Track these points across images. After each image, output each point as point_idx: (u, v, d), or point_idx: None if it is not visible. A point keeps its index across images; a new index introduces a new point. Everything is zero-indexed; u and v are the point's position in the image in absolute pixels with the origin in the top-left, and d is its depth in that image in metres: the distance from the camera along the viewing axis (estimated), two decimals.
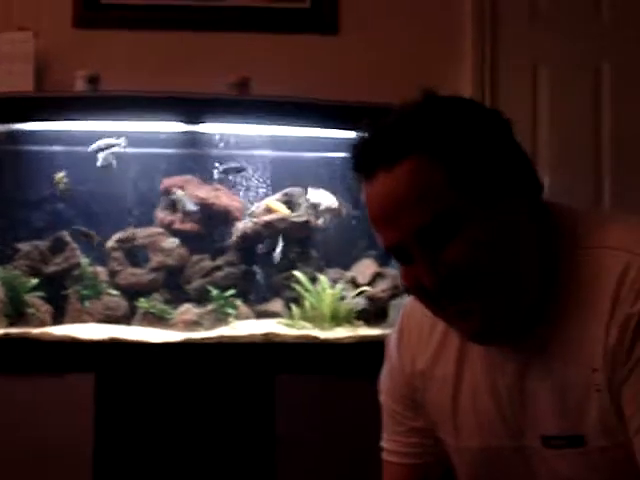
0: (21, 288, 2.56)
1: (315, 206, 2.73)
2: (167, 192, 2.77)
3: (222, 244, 2.76)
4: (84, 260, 2.68)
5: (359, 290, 2.67)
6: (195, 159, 2.81)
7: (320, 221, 2.77)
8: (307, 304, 2.62)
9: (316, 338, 2.51)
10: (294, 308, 2.63)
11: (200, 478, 2.39)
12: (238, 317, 2.63)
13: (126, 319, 2.65)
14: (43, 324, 2.53)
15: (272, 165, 2.77)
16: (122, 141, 2.61)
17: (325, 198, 2.72)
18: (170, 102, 2.54)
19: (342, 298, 2.65)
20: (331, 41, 3.02)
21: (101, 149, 2.59)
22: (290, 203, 2.78)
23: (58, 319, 2.60)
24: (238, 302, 2.65)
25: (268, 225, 2.74)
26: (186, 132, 2.67)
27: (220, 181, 2.77)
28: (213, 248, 2.76)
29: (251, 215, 2.76)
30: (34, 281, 2.58)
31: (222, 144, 2.71)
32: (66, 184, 2.66)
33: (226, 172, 2.73)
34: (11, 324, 2.51)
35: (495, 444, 1.19)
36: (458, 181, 1.05)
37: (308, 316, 2.61)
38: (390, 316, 2.60)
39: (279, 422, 2.38)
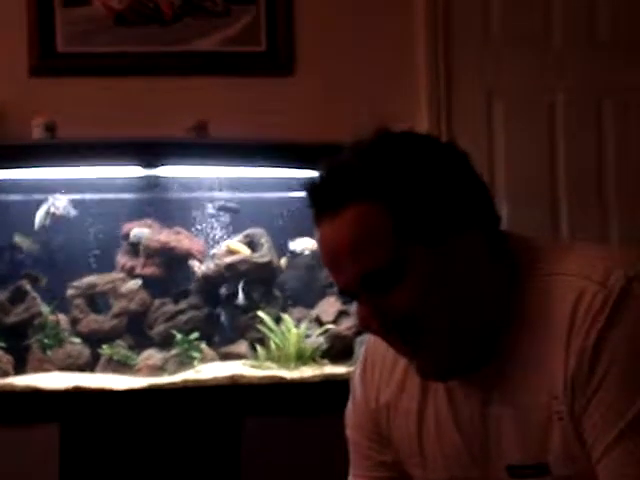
0: None
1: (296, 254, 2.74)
2: (128, 237, 2.76)
3: (184, 287, 2.75)
4: (45, 309, 2.65)
5: (323, 329, 2.67)
6: (155, 203, 2.80)
7: (282, 261, 2.78)
8: (272, 344, 2.62)
9: (282, 378, 2.50)
10: (259, 349, 2.62)
11: None
12: (203, 360, 2.61)
13: (89, 367, 2.62)
14: (5, 375, 2.49)
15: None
16: (55, 198, 2.61)
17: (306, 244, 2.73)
18: (128, 147, 2.54)
19: (307, 337, 2.64)
20: (287, 82, 3.05)
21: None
22: (251, 244, 2.78)
23: (20, 369, 2.56)
24: (202, 345, 2.63)
25: (230, 267, 2.73)
26: (145, 176, 2.67)
27: (180, 224, 2.77)
28: (175, 292, 2.75)
29: (213, 257, 2.75)
30: None
31: (182, 187, 2.72)
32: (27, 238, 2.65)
33: (221, 210, 2.72)
34: None
35: (462, 475, 1.18)
36: (403, 226, 1.04)
37: (273, 356, 2.60)
38: (355, 353, 2.59)
39: (246, 466, 2.35)
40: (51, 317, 2.65)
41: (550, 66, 3.19)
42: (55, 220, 2.64)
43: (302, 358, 2.60)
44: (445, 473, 1.20)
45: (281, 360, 2.59)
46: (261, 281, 2.75)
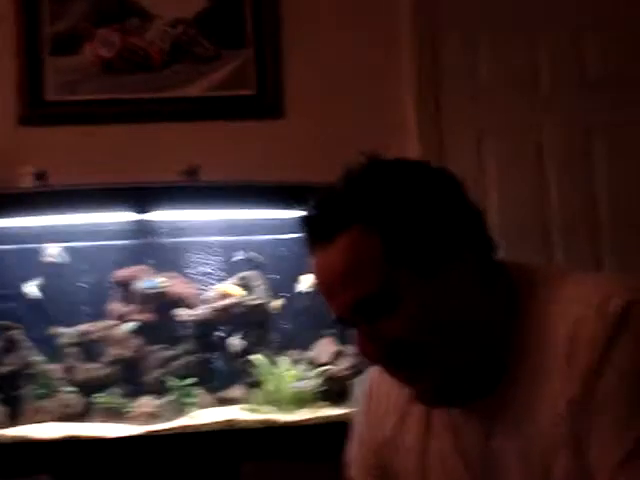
0: None
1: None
2: (120, 283, 2.74)
3: (178, 332, 2.72)
4: (38, 358, 2.62)
5: (320, 370, 2.64)
6: (147, 248, 2.79)
7: (278, 302, 2.76)
8: (268, 388, 2.58)
9: (279, 422, 2.47)
10: (255, 393, 2.59)
11: None
12: (198, 406, 2.58)
13: (83, 416, 2.57)
14: None
15: (226, 250, 2.76)
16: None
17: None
18: (120, 193, 2.54)
19: (303, 379, 2.61)
20: (277, 125, 3.06)
21: None
22: (246, 287, 2.76)
23: (13, 420, 2.52)
24: (198, 390, 2.60)
25: (224, 310, 2.71)
26: (137, 222, 2.66)
27: (173, 268, 2.75)
28: (169, 337, 2.72)
29: (206, 301, 2.73)
30: None
31: (175, 231, 2.71)
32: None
33: (245, 260, 2.71)
34: None
35: None
36: (395, 254, 1.05)
37: (270, 400, 2.57)
38: (352, 394, 2.56)
39: None
40: (44, 366, 2.61)
41: (536, 106, 3.23)
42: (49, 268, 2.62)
43: (299, 401, 2.57)
44: None
45: (277, 403, 2.56)
46: (256, 324, 2.73)
